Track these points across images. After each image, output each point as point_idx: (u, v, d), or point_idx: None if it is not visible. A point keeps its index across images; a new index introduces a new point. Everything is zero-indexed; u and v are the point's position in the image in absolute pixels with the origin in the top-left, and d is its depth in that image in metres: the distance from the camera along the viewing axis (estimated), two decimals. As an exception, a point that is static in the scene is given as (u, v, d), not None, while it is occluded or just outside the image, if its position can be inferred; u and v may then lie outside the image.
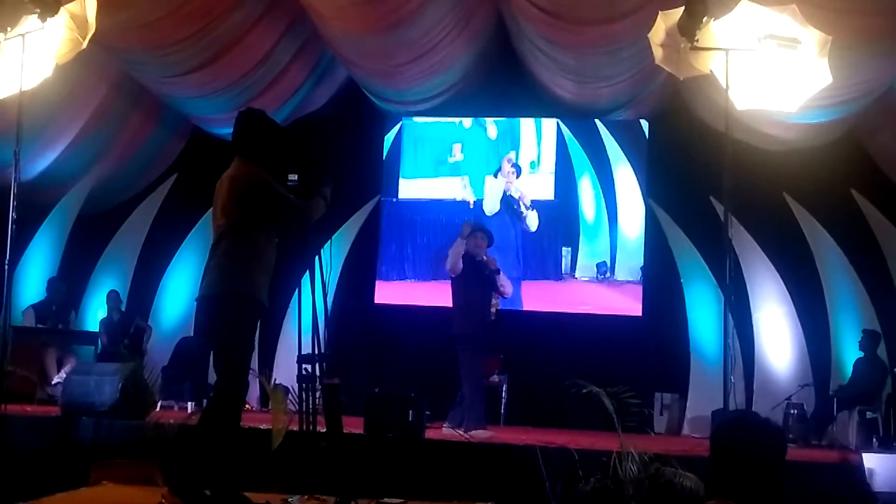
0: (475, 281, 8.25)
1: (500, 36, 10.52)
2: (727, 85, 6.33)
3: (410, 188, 11.61)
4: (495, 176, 11.35)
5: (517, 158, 11.40)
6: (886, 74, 8.58)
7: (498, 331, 9.04)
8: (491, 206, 11.30)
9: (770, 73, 6.54)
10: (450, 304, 8.35)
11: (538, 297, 11.05)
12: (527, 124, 11.48)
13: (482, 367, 8.34)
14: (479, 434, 7.63)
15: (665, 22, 6.61)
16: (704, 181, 9.62)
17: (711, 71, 6.63)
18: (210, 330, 4.97)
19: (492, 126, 11.52)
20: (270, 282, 4.97)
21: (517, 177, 11.32)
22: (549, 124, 11.38)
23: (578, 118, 11.23)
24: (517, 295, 10.65)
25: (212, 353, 5.12)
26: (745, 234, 10.24)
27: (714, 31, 6.34)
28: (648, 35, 6.78)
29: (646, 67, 9.03)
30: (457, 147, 11.57)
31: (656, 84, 10.16)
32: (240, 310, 4.84)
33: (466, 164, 11.51)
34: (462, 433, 7.51)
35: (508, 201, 11.27)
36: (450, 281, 8.47)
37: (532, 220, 11.19)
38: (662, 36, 6.65)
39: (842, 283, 10.27)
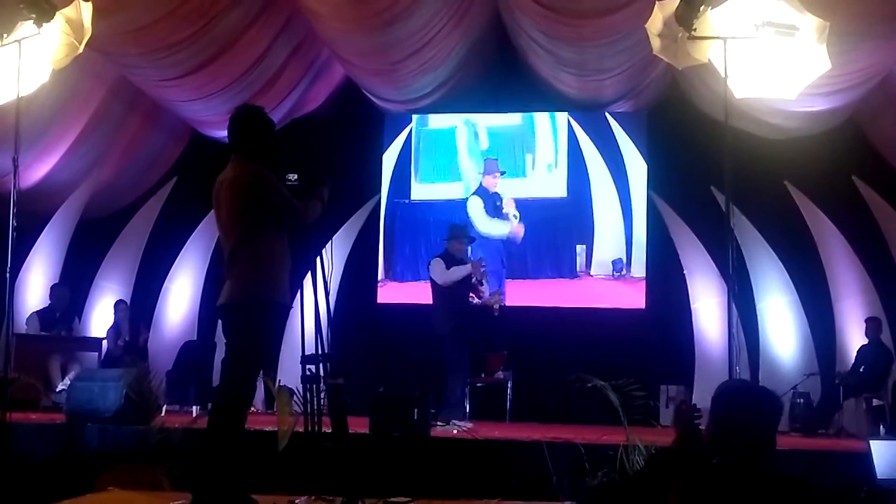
0: (457, 281, 8.56)
1: (497, 30, 10.49)
2: (726, 74, 6.30)
3: (422, 192, 11.49)
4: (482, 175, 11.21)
5: (534, 159, 11.23)
6: (886, 59, 8.54)
7: (502, 327, 9.06)
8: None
9: (768, 60, 6.51)
10: None
11: (553, 296, 10.89)
12: (542, 124, 11.28)
13: (468, 364, 8.58)
14: (463, 424, 7.92)
15: (662, 12, 6.58)
16: (705, 171, 9.57)
17: (710, 60, 6.60)
18: (235, 337, 4.92)
19: (505, 129, 11.35)
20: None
21: (501, 176, 11.18)
22: (563, 122, 11.21)
23: (579, 111, 11.15)
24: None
25: (227, 356, 5.06)
26: (747, 224, 10.19)
27: (711, 19, 6.31)
28: (646, 25, 6.75)
29: (644, 58, 9.00)
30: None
31: (655, 75, 10.12)
32: (268, 319, 4.84)
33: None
34: (461, 427, 7.60)
35: (493, 199, 11.14)
36: (430, 281, 8.75)
37: (518, 230, 11.04)
38: (660, 26, 6.61)
39: (845, 271, 10.22)
